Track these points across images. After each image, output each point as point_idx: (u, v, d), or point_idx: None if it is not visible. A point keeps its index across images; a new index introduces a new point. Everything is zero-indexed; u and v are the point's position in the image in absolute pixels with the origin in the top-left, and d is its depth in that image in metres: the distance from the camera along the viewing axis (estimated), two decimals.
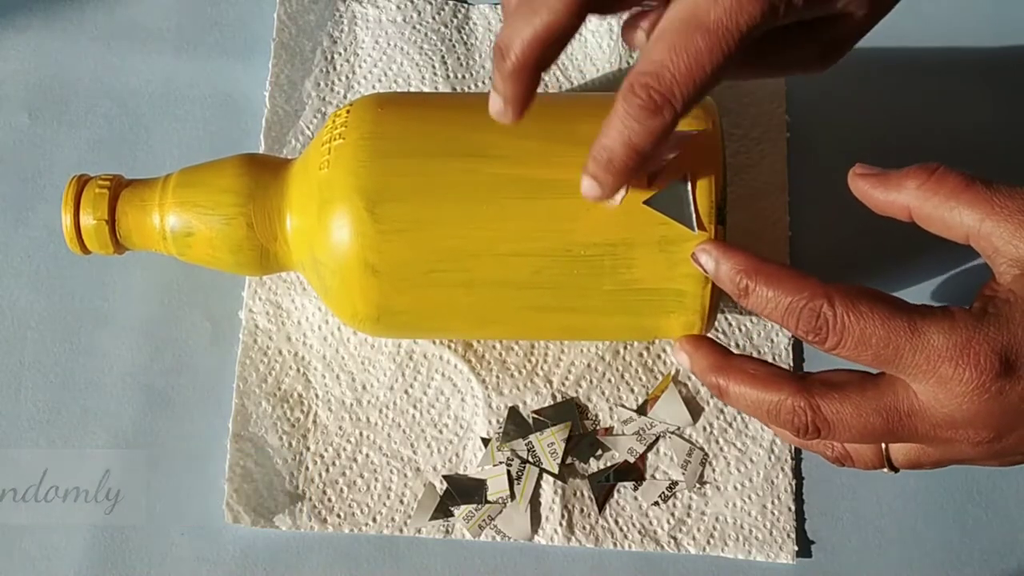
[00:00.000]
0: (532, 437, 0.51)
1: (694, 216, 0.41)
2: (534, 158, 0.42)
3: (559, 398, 0.52)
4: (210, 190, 0.46)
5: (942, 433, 0.36)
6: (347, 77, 0.57)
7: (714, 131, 0.43)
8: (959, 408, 0.35)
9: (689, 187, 0.41)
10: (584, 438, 0.51)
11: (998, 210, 0.36)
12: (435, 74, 0.57)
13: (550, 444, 0.51)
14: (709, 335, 0.42)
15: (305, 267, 0.46)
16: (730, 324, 0.53)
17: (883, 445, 0.40)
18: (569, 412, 0.52)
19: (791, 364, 0.53)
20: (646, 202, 0.41)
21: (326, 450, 0.51)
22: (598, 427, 0.51)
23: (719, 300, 0.43)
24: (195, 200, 0.46)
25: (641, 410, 0.52)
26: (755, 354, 0.53)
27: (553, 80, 0.57)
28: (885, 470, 0.40)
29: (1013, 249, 0.36)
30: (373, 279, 0.43)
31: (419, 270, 0.43)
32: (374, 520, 0.51)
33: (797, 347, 0.53)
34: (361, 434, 0.52)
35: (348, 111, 0.45)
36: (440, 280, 0.43)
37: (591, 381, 0.52)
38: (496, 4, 0.59)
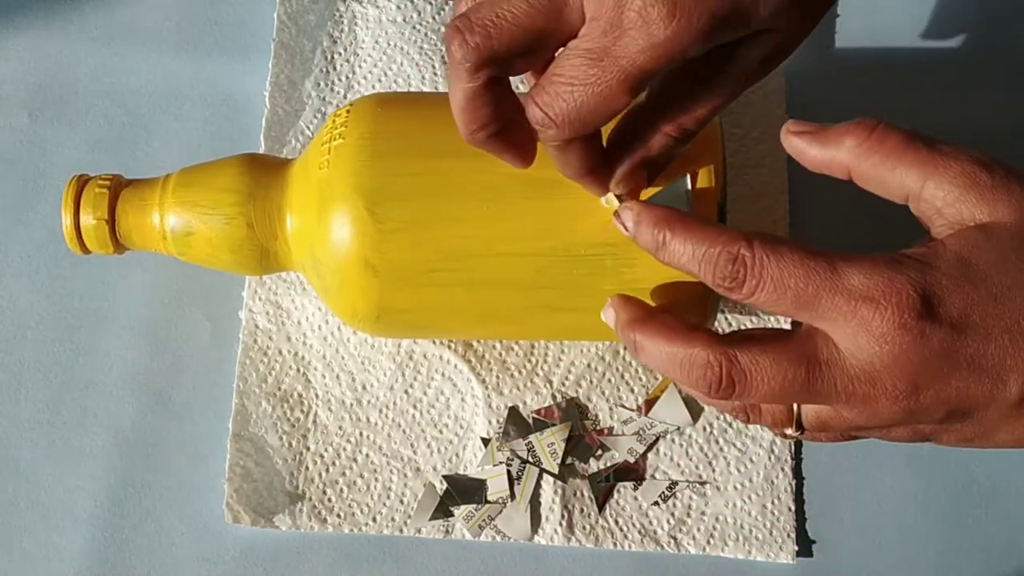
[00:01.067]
0: (532, 437, 0.51)
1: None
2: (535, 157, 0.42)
3: (559, 398, 0.52)
4: (210, 190, 0.46)
5: (859, 387, 0.34)
6: (347, 77, 0.57)
7: (714, 131, 0.43)
8: (879, 353, 0.34)
9: (688, 187, 0.41)
10: (584, 438, 0.51)
11: (942, 171, 0.35)
12: (435, 74, 0.57)
13: (550, 444, 0.51)
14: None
15: (305, 267, 0.46)
16: (730, 324, 0.53)
17: (794, 404, 0.38)
18: (570, 413, 0.52)
19: None
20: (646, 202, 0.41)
21: (326, 450, 0.51)
22: (598, 427, 0.52)
23: (719, 300, 0.43)
24: (195, 200, 0.46)
25: (641, 410, 0.52)
26: None
27: None
28: (790, 430, 0.38)
29: (955, 212, 0.35)
30: (373, 279, 0.43)
31: (419, 270, 0.43)
32: (374, 520, 0.51)
33: None
34: (361, 434, 0.52)
35: (348, 111, 0.45)
36: (440, 280, 0.43)
37: (591, 381, 0.52)
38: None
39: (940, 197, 0.35)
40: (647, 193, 0.41)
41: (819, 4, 0.36)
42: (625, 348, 0.53)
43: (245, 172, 0.46)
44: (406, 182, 0.43)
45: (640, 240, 0.38)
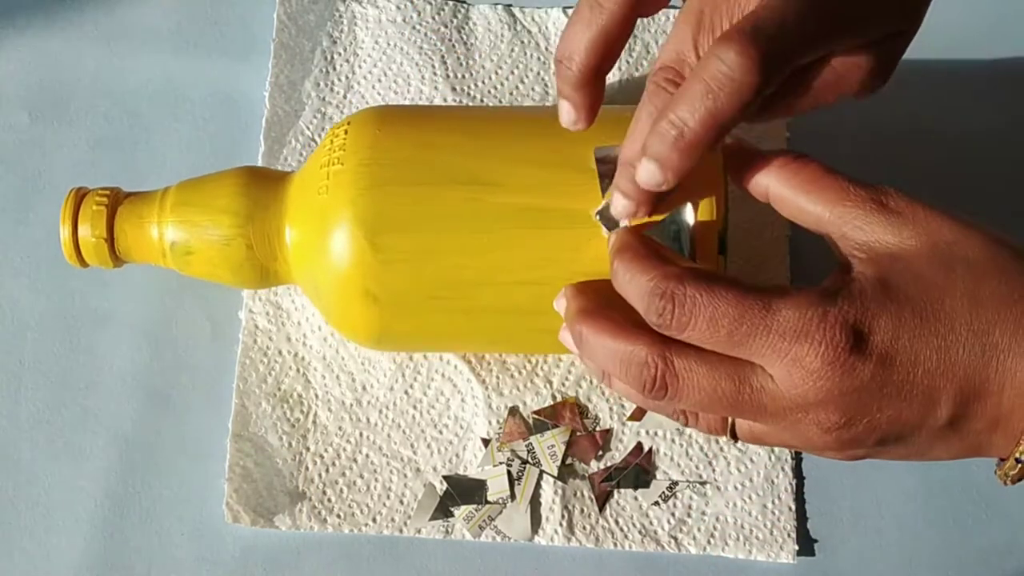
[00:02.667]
0: (532, 439, 0.51)
1: (690, 244, 0.41)
2: (536, 186, 0.42)
3: (559, 398, 0.52)
4: (209, 211, 0.45)
5: (790, 415, 0.35)
6: (347, 77, 0.57)
7: (716, 158, 0.42)
8: (812, 388, 0.34)
9: (689, 218, 0.41)
10: (585, 439, 0.51)
11: (852, 197, 0.36)
12: (435, 74, 0.57)
13: (550, 446, 0.51)
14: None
15: (305, 285, 0.46)
16: None
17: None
18: (569, 412, 0.52)
19: None
20: (647, 233, 0.41)
21: (326, 450, 0.51)
22: (598, 427, 0.51)
23: None
24: (194, 220, 0.45)
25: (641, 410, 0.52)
26: None
27: (553, 80, 0.57)
28: (726, 438, 0.39)
29: (861, 234, 0.36)
30: (374, 307, 0.43)
31: (419, 297, 0.43)
32: (374, 520, 0.51)
33: None
34: (361, 434, 0.52)
35: (346, 131, 0.44)
36: (441, 307, 0.43)
37: (591, 381, 0.52)
38: (496, 4, 0.59)
39: (846, 220, 0.36)
40: (649, 223, 0.41)
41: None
42: None
43: (243, 192, 0.46)
44: (405, 212, 0.42)
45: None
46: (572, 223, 0.41)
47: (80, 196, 0.46)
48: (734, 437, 0.39)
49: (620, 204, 0.39)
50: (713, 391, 0.35)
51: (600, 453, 0.51)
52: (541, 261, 0.42)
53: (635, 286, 0.36)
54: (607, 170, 0.41)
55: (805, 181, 0.37)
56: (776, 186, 0.38)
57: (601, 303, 0.38)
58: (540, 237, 0.42)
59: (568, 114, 0.38)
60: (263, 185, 0.46)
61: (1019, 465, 0.35)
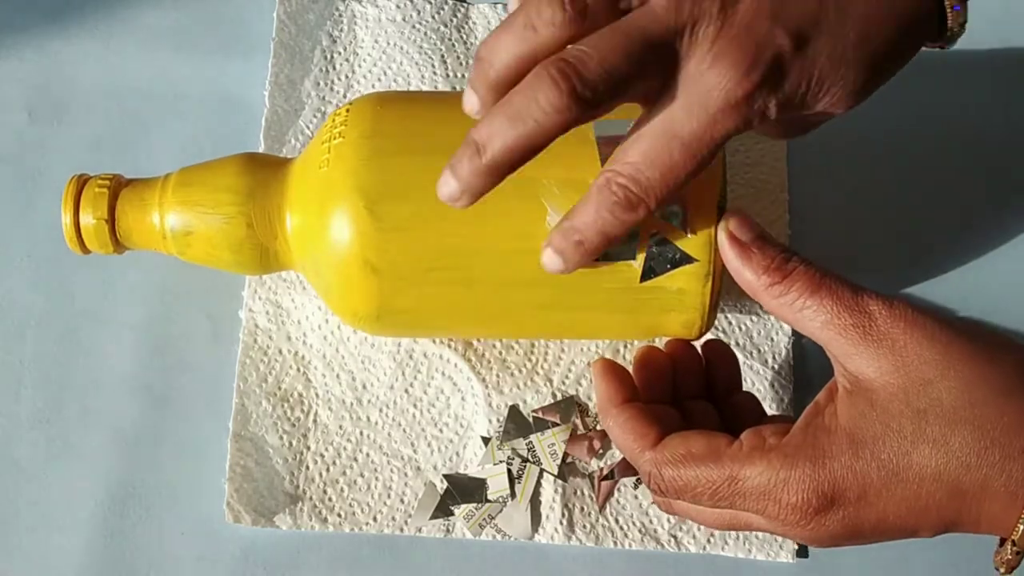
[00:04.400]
0: (533, 437, 0.51)
1: (687, 218, 0.41)
2: None
3: (559, 397, 0.52)
4: (210, 189, 0.46)
5: (780, 531, 0.39)
6: (347, 76, 0.57)
7: None
8: (791, 531, 0.38)
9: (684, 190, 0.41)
10: (585, 439, 0.51)
11: (836, 323, 0.37)
12: (435, 73, 0.57)
13: (550, 445, 0.51)
14: (619, 363, 0.43)
15: (305, 266, 0.46)
16: (730, 323, 0.53)
17: None
18: (568, 411, 0.52)
19: (791, 363, 0.53)
20: None
21: (326, 449, 0.51)
22: (598, 426, 0.52)
23: (719, 299, 0.43)
24: (195, 199, 0.46)
25: None
26: (755, 352, 0.53)
27: None
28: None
29: (846, 362, 0.37)
30: (373, 277, 0.43)
31: (419, 268, 0.43)
32: (374, 519, 0.51)
33: (797, 346, 0.53)
34: (361, 433, 0.52)
35: (348, 110, 0.45)
36: (441, 278, 0.43)
37: (591, 380, 0.52)
38: (496, 3, 0.59)
39: (834, 348, 0.38)
40: None
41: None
42: (625, 347, 0.53)
43: (245, 171, 0.46)
44: (405, 180, 0.43)
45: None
46: (570, 191, 0.41)
47: (82, 182, 0.46)
48: None
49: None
50: (701, 502, 0.39)
51: (600, 452, 0.51)
52: (539, 229, 0.42)
53: (627, 452, 0.41)
54: (607, 140, 0.41)
55: (795, 300, 0.38)
56: (767, 297, 0.39)
57: (622, 394, 0.42)
58: (539, 206, 0.42)
59: (472, 105, 0.38)
60: (264, 166, 0.47)
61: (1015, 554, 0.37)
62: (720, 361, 0.45)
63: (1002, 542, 0.37)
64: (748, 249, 0.39)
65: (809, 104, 0.38)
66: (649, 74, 0.36)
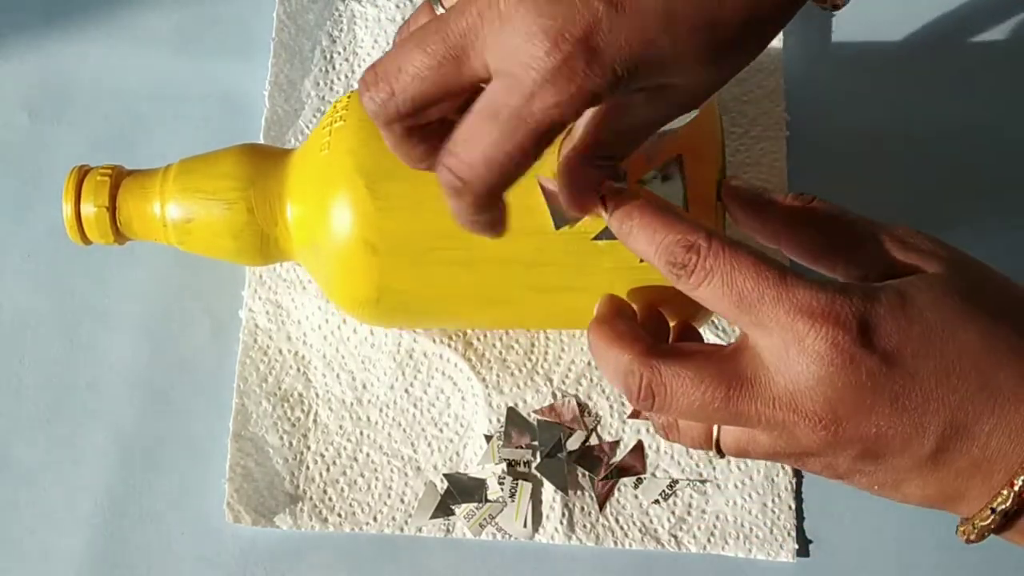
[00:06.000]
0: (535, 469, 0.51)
1: (683, 195, 0.41)
2: None
3: (559, 396, 0.52)
4: (211, 176, 0.46)
5: (778, 413, 0.34)
6: (346, 76, 0.57)
7: (708, 111, 0.42)
8: (805, 371, 0.33)
9: (680, 166, 0.41)
10: (593, 449, 0.51)
11: (883, 235, 0.38)
12: None
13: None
14: (625, 300, 0.41)
15: (305, 253, 0.46)
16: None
17: (714, 427, 0.38)
18: (569, 410, 0.52)
19: None
20: (641, 181, 0.41)
21: (326, 449, 0.51)
22: (598, 426, 0.52)
23: None
24: (196, 186, 0.46)
25: None
26: None
27: None
28: (711, 453, 0.38)
29: (898, 255, 0.37)
30: (373, 258, 0.43)
31: (419, 248, 0.43)
32: (375, 519, 0.51)
33: None
34: (361, 433, 0.52)
35: (349, 97, 0.45)
36: (440, 258, 0.43)
37: (591, 379, 0.52)
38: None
39: (881, 256, 0.37)
40: (646, 168, 0.41)
41: (732, 63, 0.35)
42: None
43: (246, 159, 0.46)
44: None
45: (613, 228, 0.37)
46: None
47: (83, 172, 0.46)
48: (719, 451, 0.38)
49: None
50: (702, 395, 0.35)
51: (608, 460, 0.51)
52: (539, 207, 0.42)
53: (656, 239, 0.36)
54: None
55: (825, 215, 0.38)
56: (792, 226, 0.38)
57: (616, 312, 0.39)
58: (537, 184, 0.42)
59: (476, 229, 0.36)
60: (265, 154, 0.47)
61: (992, 515, 0.34)
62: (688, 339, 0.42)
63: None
64: (758, 195, 0.39)
65: (645, 73, 0.33)
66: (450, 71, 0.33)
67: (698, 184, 0.41)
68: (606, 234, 0.41)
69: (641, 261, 0.41)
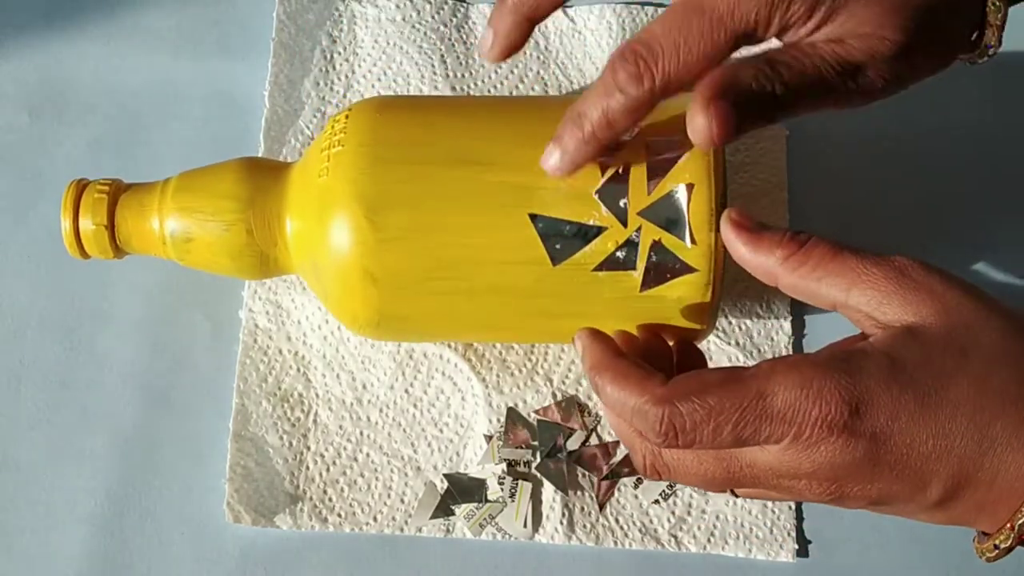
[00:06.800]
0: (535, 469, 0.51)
1: (688, 228, 0.41)
2: (534, 165, 0.42)
3: (559, 396, 0.52)
4: (209, 195, 0.45)
5: (784, 482, 0.36)
6: (347, 76, 0.57)
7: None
8: (806, 460, 0.35)
9: (684, 197, 0.41)
10: (593, 451, 0.51)
11: (865, 279, 0.36)
12: (435, 73, 0.57)
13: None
14: (606, 332, 0.41)
15: (305, 271, 0.46)
16: (730, 323, 0.53)
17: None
18: (569, 410, 0.52)
19: None
20: (641, 213, 0.41)
21: (326, 449, 0.51)
22: (598, 426, 0.52)
23: (719, 305, 0.43)
24: (194, 206, 0.45)
25: None
26: (755, 353, 0.53)
27: (552, 79, 0.57)
28: (727, 494, 0.41)
29: (880, 314, 0.36)
30: (372, 287, 0.43)
31: (418, 278, 0.43)
32: (375, 519, 0.51)
33: (797, 346, 0.53)
34: (361, 433, 0.52)
35: (347, 116, 0.45)
36: (439, 288, 0.43)
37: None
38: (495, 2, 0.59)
39: (865, 303, 0.36)
40: (646, 200, 0.41)
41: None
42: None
43: (245, 178, 0.46)
44: (404, 190, 0.42)
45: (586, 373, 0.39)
46: (569, 201, 0.41)
47: (81, 187, 0.46)
48: (734, 494, 0.40)
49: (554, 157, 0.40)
50: (704, 476, 0.37)
51: (608, 460, 0.51)
52: (539, 240, 0.42)
53: (628, 408, 0.36)
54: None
55: (815, 266, 0.37)
56: (785, 273, 0.37)
57: (613, 353, 0.39)
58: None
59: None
60: (264, 172, 0.46)
61: (997, 550, 0.35)
62: (689, 358, 0.43)
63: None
64: (756, 232, 0.38)
65: (828, 18, 0.37)
66: None
67: (698, 217, 0.41)
68: (606, 265, 0.41)
69: (642, 291, 0.41)
